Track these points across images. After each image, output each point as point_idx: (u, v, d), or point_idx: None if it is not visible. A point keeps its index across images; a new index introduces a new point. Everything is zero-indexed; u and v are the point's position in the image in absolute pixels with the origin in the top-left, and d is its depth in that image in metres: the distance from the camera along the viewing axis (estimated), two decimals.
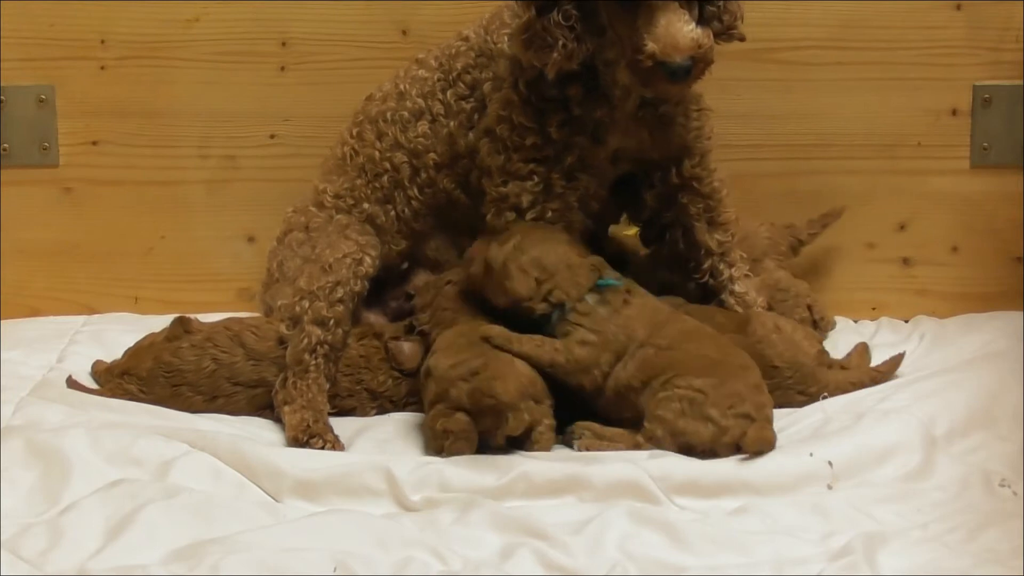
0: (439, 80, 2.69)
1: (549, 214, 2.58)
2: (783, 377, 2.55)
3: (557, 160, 2.57)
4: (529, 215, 2.58)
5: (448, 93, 2.68)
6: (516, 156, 2.57)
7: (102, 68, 3.00)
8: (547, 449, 2.40)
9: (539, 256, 2.49)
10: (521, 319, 2.49)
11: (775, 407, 2.45)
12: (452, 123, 2.67)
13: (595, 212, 2.65)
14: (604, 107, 2.55)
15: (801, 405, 2.55)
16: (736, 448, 2.33)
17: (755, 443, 2.31)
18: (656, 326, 2.45)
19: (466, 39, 2.69)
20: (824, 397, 2.58)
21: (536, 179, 2.57)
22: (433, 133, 2.69)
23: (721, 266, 2.73)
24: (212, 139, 3.02)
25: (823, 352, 2.65)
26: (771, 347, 2.56)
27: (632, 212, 2.77)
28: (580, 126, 2.56)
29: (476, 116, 2.64)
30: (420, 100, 2.71)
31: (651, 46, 2.34)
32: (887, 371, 2.63)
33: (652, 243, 2.78)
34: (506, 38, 2.58)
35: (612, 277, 2.50)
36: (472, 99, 2.65)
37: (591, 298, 2.47)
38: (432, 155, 2.69)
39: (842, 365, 2.66)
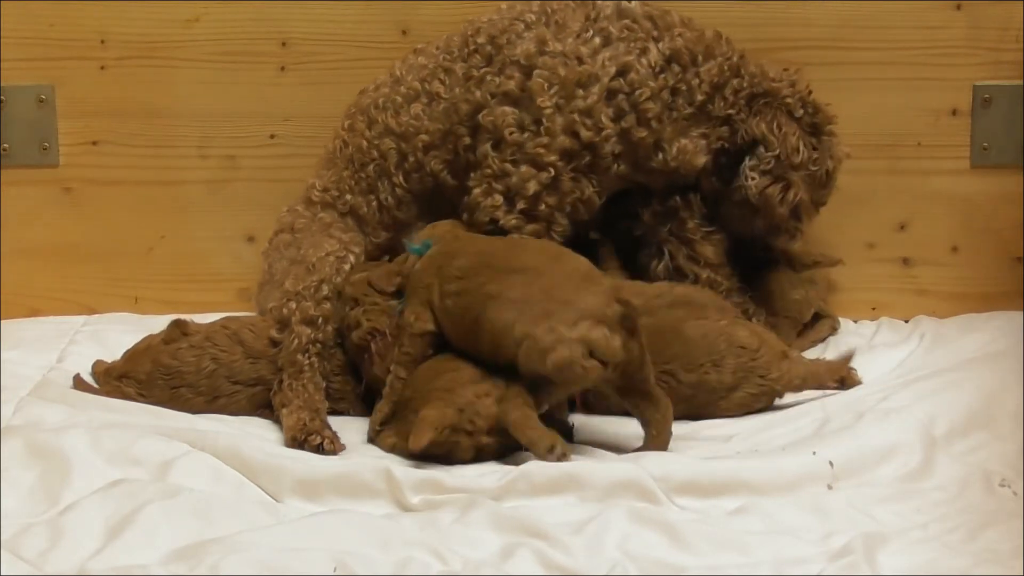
0: (444, 61, 2.72)
1: (542, 207, 2.62)
2: (750, 356, 2.55)
3: (572, 158, 2.60)
4: (520, 205, 2.61)
5: (458, 66, 2.69)
6: (542, 142, 2.60)
7: (102, 68, 3.00)
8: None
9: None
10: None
11: (735, 389, 2.53)
12: (457, 90, 2.68)
13: (584, 220, 2.68)
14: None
15: (756, 398, 2.56)
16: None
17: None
18: (446, 269, 2.48)
19: (491, 20, 2.72)
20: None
21: (552, 172, 2.60)
22: (426, 114, 2.71)
23: (719, 278, 2.76)
24: (212, 139, 3.02)
25: (788, 352, 2.65)
26: (743, 328, 2.60)
27: (628, 226, 2.78)
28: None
29: (489, 77, 2.66)
30: (416, 84, 2.73)
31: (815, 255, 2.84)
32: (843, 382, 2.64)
33: (648, 260, 2.79)
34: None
35: (415, 245, 2.58)
36: (489, 67, 2.68)
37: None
38: (423, 136, 2.71)
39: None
